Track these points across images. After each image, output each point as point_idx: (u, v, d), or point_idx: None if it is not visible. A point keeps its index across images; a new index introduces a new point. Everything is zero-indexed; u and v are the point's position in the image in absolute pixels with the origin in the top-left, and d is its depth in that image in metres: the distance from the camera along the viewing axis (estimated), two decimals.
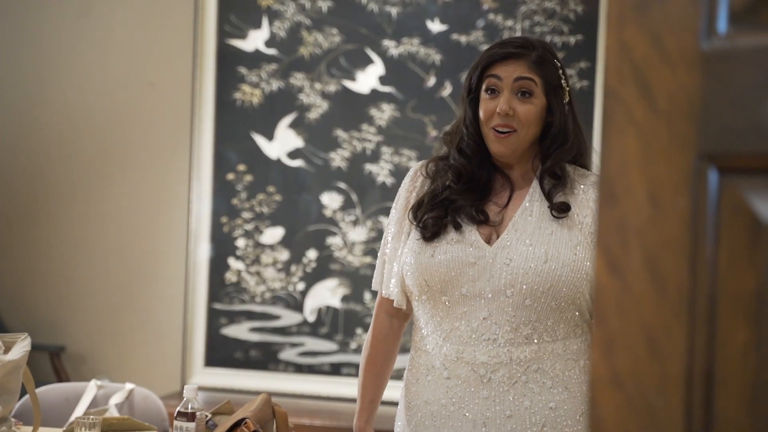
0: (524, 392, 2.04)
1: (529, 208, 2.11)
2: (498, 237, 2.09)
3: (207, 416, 2.33)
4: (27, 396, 2.71)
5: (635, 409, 0.82)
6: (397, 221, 2.21)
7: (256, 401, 2.34)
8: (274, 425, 2.36)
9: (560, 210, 2.09)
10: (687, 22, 0.79)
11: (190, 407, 2.25)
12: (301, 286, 4.60)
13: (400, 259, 2.15)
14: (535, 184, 2.14)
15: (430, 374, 2.11)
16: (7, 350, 2.26)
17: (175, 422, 2.25)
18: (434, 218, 2.11)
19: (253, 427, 2.20)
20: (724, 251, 0.79)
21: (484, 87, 2.14)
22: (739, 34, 0.78)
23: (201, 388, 4.03)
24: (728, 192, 0.79)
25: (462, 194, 2.13)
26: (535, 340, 2.04)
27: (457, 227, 2.10)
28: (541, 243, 2.05)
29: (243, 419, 2.23)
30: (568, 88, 2.16)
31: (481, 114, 2.13)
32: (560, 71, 2.14)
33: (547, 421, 2.04)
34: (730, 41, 0.78)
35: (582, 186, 2.12)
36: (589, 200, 2.10)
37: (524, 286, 2.03)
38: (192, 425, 2.23)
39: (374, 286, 2.28)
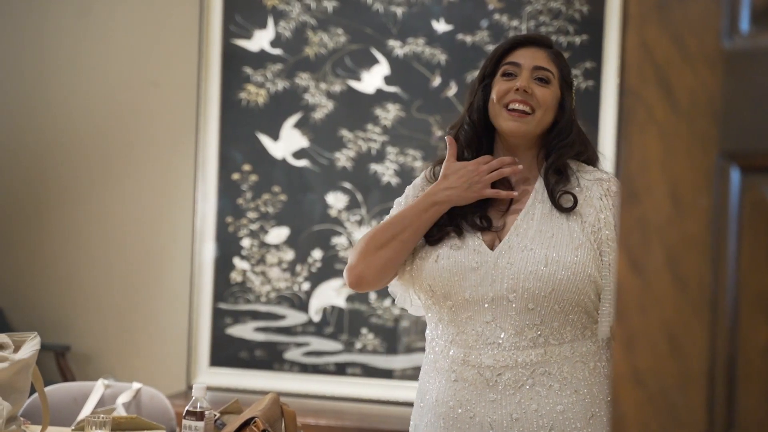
0: (531, 395, 2.02)
1: (530, 212, 2.09)
2: (500, 241, 2.08)
3: (215, 415, 2.34)
4: (34, 395, 2.72)
5: (656, 406, 0.82)
6: None
7: (265, 400, 2.35)
8: (283, 424, 2.37)
9: (565, 204, 2.07)
10: (709, 21, 0.80)
11: (199, 406, 2.25)
12: (306, 285, 4.60)
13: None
14: (538, 185, 2.12)
15: (439, 376, 2.10)
16: (16, 349, 2.27)
17: (184, 421, 2.25)
18: (437, 223, 2.11)
19: (263, 426, 2.20)
20: (745, 249, 0.79)
21: (500, 72, 2.13)
22: (761, 34, 0.78)
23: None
24: (750, 190, 0.79)
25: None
26: (541, 343, 2.03)
27: (460, 233, 2.10)
28: (542, 246, 2.03)
29: (252, 418, 2.23)
30: (574, 90, 2.17)
31: (494, 94, 2.11)
32: (571, 74, 2.16)
33: (555, 424, 2.02)
34: (752, 40, 0.78)
35: (585, 182, 2.10)
36: (593, 197, 2.07)
37: (526, 291, 2.01)
38: (201, 424, 2.24)
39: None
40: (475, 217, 2.10)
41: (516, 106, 2.08)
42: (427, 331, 2.17)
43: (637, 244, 0.84)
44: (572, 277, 2.01)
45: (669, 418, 0.82)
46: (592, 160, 2.17)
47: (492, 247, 2.08)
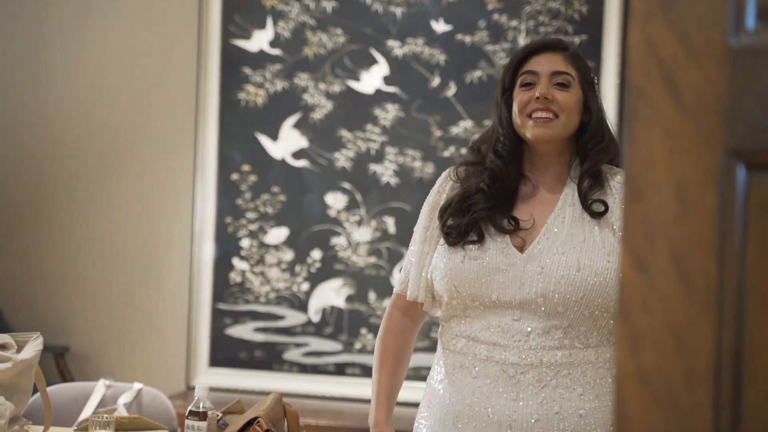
0: (554, 397, 2.00)
1: (560, 215, 2.07)
2: (529, 244, 2.05)
3: (218, 415, 2.34)
4: (36, 395, 2.71)
5: (662, 405, 0.82)
6: (423, 228, 2.18)
7: (268, 400, 2.34)
8: (285, 424, 2.36)
9: (597, 210, 2.04)
10: (714, 17, 0.79)
11: (201, 406, 2.25)
12: (305, 286, 4.60)
13: (429, 263, 2.12)
14: (568, 189, 2.10)
15: (457, 373, 2.07)
16: (19, 349, 2.27)
17: (187, 421, 2.25)
18: (457, 224, 2.08)
19: (266, 426, 2.20)
20: (752, 247, 0.79)
21: (518, 83, 2.11)
22: (767, 30, 0.78)
23: None
24: (756, 188, 0.79)
25: (493, 199, 2.08)
26: (567, 345, 2.01)
27: (489, 233, 2.07)
28: (573, 251, 2.01)
29: (255, 418, 2.23)
30: (599, 90, 2.16)
31: (516, 106, 2.09)
32: (591, 73, 2.15)
33: (576, 429, 2.00)
34: (758, 37, 0.78)
35: (616, 185, 2.08)
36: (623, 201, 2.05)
37: (557, 295, 1.99)
38: (203, 424, 2.23)
39: (396, 287, 2.24)
40: (504, 216, 2.08)
41: (539, 114, 2.06)
42: (444, 329, 2.15)
43: (642, 243, 0.84)
44: (604, 282, 1.99)
45: (675, 417, 0.82)
46: (621, 164, 2.15)
47: (521, 249, 2.05)
